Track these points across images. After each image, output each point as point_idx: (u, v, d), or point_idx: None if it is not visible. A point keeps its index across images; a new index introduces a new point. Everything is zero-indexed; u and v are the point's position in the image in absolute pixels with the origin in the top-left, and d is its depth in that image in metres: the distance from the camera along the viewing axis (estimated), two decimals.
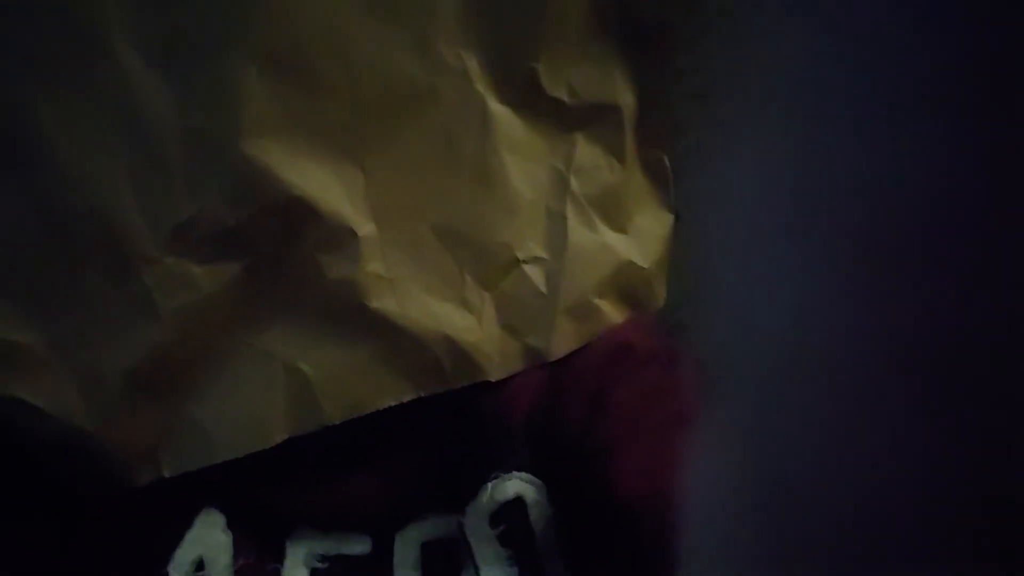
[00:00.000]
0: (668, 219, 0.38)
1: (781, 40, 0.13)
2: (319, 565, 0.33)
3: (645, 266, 0.37)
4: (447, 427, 0.34)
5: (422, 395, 0.33)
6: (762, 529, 0.15)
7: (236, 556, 0.31)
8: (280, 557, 0.32)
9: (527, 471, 0.33)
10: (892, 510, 0.12)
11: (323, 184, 0.29)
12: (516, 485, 0.32)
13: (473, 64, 0.31)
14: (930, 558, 0.12)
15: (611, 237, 0.36)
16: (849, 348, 0.12)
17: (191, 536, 0.31)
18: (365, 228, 0.30)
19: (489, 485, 0.32)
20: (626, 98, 0.35)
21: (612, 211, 0.36)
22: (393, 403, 0.33)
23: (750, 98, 0.14)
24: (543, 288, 0.34)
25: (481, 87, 0.31)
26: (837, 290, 0.12)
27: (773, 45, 0.13)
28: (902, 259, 0.12)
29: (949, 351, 0.11)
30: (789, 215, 0.13)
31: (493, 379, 0.34)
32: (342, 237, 0.30)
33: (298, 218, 0.29)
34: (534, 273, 0.34)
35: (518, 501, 0.32)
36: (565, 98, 0.33)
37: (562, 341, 0.35)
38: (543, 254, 0.34)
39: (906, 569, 0.13)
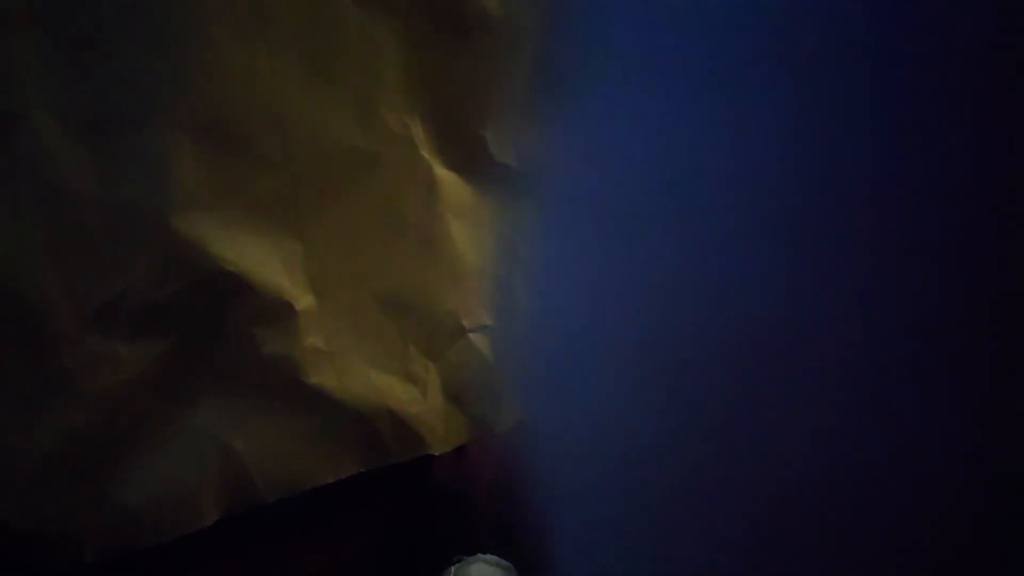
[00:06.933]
0: None
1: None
2: None
3: None
4: (401, 503, 0.33)
5: (362, 471, 0.32)
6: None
7: None
8: None
9: (493, 552, 0.31)
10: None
11: (258, 257, 0.28)
12: (481, 569, 0.31)
13: (418, 130, 0.30)
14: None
15: None
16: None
17: None
18: (303, 301, 0.29)
19: (452, 569, 0.31)
20: None
21: None
22: (332, 480, 0.31)
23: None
24: (490, 357, 0.33)
25: (427, 153, 0.30)
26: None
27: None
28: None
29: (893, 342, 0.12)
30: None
31: (437, 452, 0.33)
32: (279, 311, 0.29)
33: (230, 293, 0.28)
34: (480, 342, 0.33)
35: None
36: (513, 164, 0.32)
37: (511, 412, 0.34)
38: (490, 322, 0.33)
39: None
